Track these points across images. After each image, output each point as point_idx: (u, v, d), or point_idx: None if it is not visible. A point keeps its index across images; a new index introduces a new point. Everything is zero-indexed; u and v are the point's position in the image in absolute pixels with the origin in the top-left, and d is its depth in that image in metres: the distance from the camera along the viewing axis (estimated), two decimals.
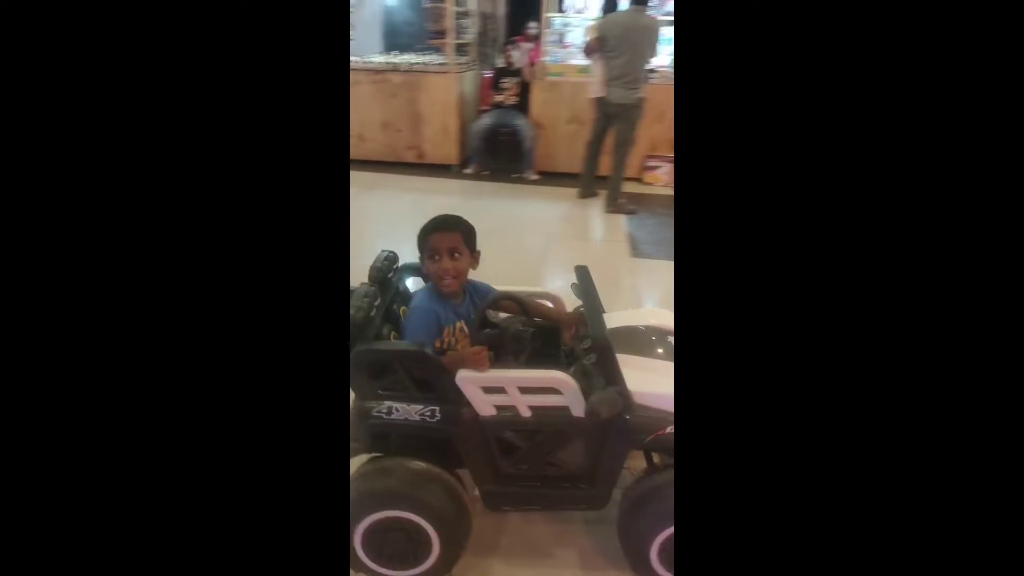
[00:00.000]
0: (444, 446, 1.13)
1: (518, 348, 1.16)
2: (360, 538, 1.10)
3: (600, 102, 3.55)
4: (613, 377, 1.03)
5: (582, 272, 1.28)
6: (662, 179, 4.37)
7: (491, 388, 1.05)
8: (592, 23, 3.60)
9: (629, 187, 3.96)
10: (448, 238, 1.16)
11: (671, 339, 1.23)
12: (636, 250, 3.18)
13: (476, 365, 1.04)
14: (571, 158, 4.06)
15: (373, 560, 1.13)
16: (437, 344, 1.15)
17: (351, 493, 1.02)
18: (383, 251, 1.34)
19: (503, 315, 1.30)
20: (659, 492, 1.07)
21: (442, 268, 1.16)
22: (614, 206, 3.73)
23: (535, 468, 1.14)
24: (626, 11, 3.51)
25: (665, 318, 1.30)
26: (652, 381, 1.07)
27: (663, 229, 3.53)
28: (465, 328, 1.21)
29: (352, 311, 1.09)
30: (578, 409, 1.05)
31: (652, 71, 3.69)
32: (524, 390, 1.05)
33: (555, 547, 1.30)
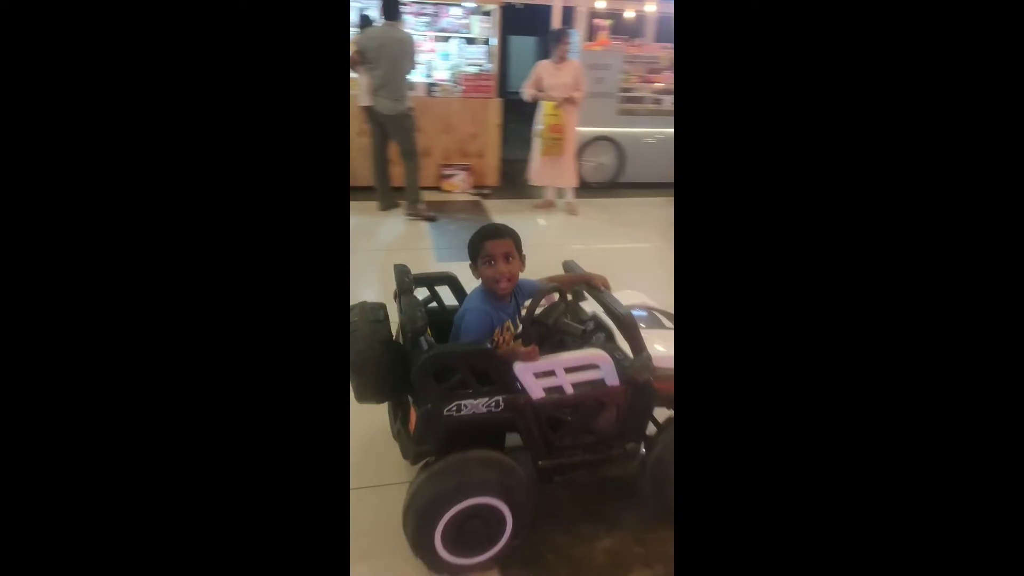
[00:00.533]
0: (500, 434, 1.25)
1: (564, 337, 1.32)
2: (439, 534, 1.17)
3: (369, 112, 3.82)
4: (640, 346, 1.23)
5: (570, 264, 1.49)
6: (458, 186, 4.69)
7: (542, 373, 1.19)
8: (352, 38, 3.79)
9: (429, 195, 4.22)
10: (502, 244, 1.27)
11: (656, 312, 1.49)
12: (439, 254, 3.42)
13: (529, 358, 1.18)
14: (368, 171, 4.08)
15: (450, 552, 1.20)
16: (488, 343, 1.26)
17: (428, 494, 1.14)
18: (398, 265, 1.46)
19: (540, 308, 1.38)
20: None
21: (498, 272, 1.26)
22: (414, 212, 3.97)
23: (578, 438, 1.28)
24: (381, 26, 3.74)
25: (643, 298, 1.58)
26: (656, 347, 1.28)
27: (463, 233, 3.50)
28: (512, 327, 1.34)
29: (408, 323, 1.21)
30: (612, 379, 1.23)
31: (413, 84, 4.06)
32: (568, 370, 1.20)
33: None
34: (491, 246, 1.27)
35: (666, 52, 5.10)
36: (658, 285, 1.87)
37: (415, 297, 1.32)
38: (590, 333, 1.33)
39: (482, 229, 1.32)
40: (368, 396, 1.23)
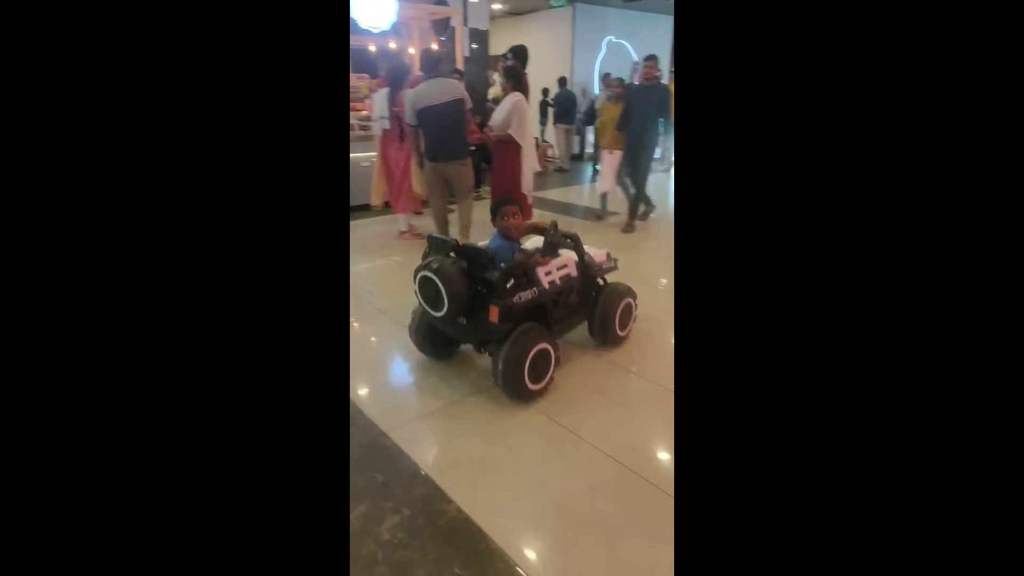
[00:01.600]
0: (536, 313, 2.08)
1: (558, 246, 2.25)
2: (525, 372, 1.93)
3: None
4: (583, 251, 2.30)
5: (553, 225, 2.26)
6: None
7: (546, 272, 2.11)
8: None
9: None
10: (512, 208, 2.20)
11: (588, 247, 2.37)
12: None
13: (542, 265, 2.11)
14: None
15: (530, 382, 1.98)
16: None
17: (517, 349, 1.90)
18: (435, 236, 2.19)
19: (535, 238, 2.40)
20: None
21: (511, 224, 2.19)
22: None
23: (563, 309, 2.21)
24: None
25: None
26: (594, 254, 2.42)
27: None
28: (517, 254, 2.15)
29: (479, 256, 2.00)
30: (574, 271, 2.24)
31: None
32: (558, 268, 2.16)
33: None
34: (505, 209, 2.19)
35: (363, 81, 5.68)
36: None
37: (472, 244, 2.14)
38: (567, 244, 2.29)
39: (499, 200, 2.26)
40: (459, 314, 1.95)
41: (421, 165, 3.82)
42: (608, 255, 2.48)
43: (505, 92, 3.99)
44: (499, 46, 7.36)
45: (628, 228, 4.56)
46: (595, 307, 2.34)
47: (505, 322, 1.91)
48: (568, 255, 2.23)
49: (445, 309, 1.90)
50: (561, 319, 2.18)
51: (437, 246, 2.12)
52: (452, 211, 3.95)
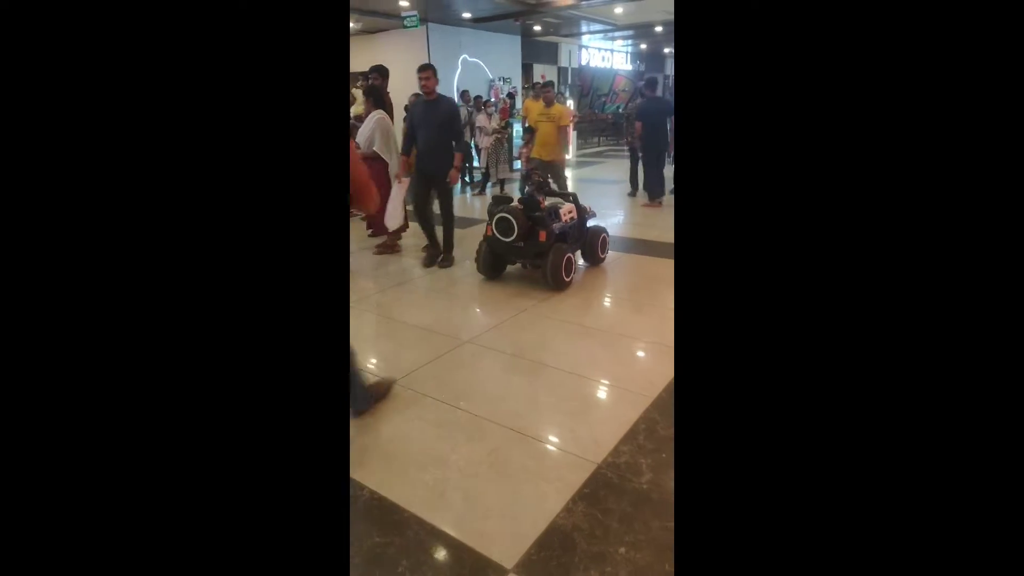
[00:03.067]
0: (564, 239, 3.51)
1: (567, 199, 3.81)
2: (563, 266, 3.32)
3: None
4: (578, 202, 3.82)
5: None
6: None
7: (564, 214, 3.62)
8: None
9: None
10: (538, 172, 4.13)
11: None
12: None
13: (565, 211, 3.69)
14: None
15: (565, 275, 3.36)
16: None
17: (560, 253, 3.31)
18: (498, 195, 3.81)
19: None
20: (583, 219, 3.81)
21: (535, 180, 3.90)
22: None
23: (572, 237, 3.60)
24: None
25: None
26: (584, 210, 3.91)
27: None
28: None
29: (540, 214, 3.43)
30: (576, 216, 3.71)
31: None
32: (567, 213, 3.62)
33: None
34: (534, 173, 3.75)
35: None
36: None
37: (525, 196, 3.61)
38: (572, 200, 3.76)
39: (531, 168, 4.33)
40: (522, 237, 3.31)
41: None
42: (589, 208, 3.90)
43: (367, 111, 4.14)
44: (355, 64, 7.35)
45: (438, 264, 3.93)
46: (586, 239, 3.78)
47: (548, 242, 3.35)
48: (569, 206, 3.70)
49: (515, 234, 3.32)
50: (571, 243, 3.58)
51: (500, 200, 3.56)
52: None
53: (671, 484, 1.68)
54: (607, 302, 3.31)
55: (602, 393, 2.27)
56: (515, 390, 2.28)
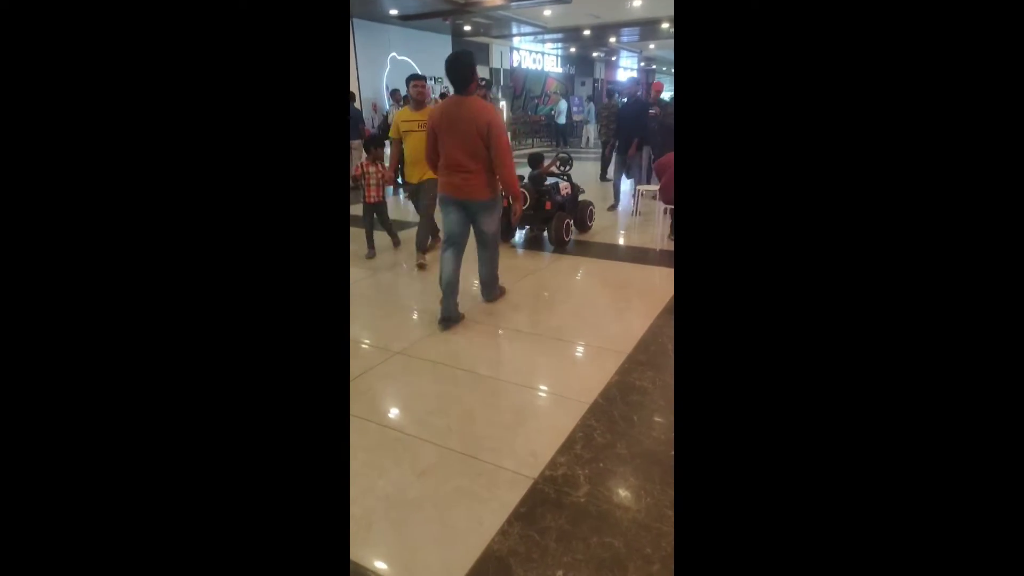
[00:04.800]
0: (564, 208, 4.51)
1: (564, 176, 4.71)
2: (564, 229, 4.32)
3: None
4: (572, 182, 4.74)
5: (539, 155, 4.73)
6: None
7: (562, 189, 4.55)
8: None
9: None
10: (542, 160, 4.67)
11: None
12: None
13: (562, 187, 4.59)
14: None
15: (564, 236, 4.36)
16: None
17: (562, 217, 4.31)
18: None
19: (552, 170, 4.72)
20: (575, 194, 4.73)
21: (543, 168, 4.61)
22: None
23: (568, 207, 4.58)
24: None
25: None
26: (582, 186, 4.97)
27: None
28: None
29: (545, 188, 4.40)
30: (571, 191, 4.65)
31: None
32: (563, 188, 4.56)
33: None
34: (539, 158, 4.58)
35: None
36: None
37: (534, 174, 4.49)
38: (567, 178, 4.69)
39: (535, 154, 4.63)
40: (533, 207, 4.27)
41: None
42: (579, 186, 4.77)
43: None
44: None
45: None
46: (577, 209, 4.67)
47: (552, 210, 4.33)
48: (566, 183, 4.57)
49: (527, 204, 4.14)
50: (568, 211, 4.49)
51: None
52: None
53: (609, 495, 1.64)
54: (544, 306, 3.26)
55: (537, 401, 2.21)
56: (447, 403, 2.17)
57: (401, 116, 3.80)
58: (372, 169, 4.07)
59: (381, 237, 4.35)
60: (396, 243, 4.41)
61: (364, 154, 4.22)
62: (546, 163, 4.63)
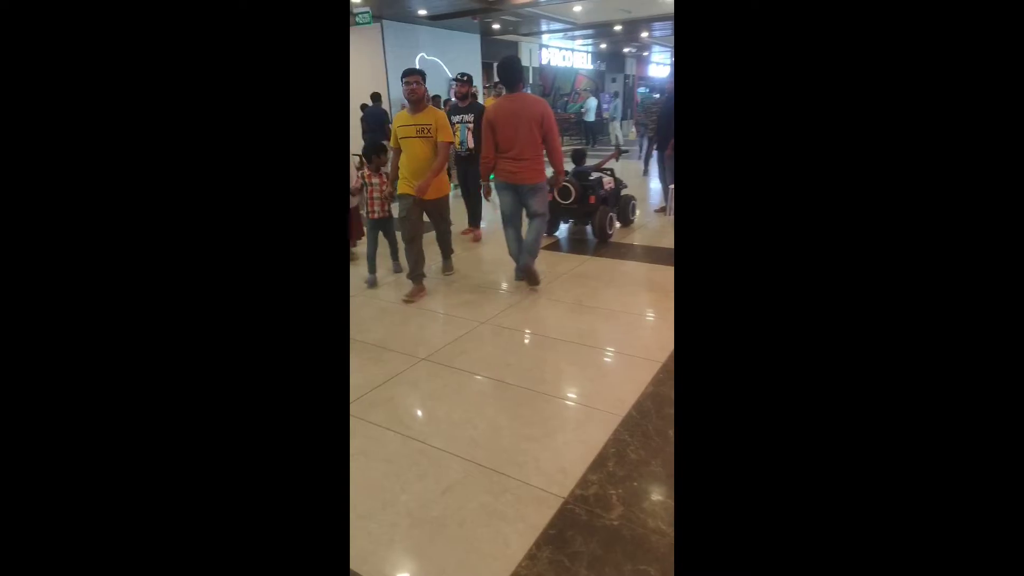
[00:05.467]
0: (608, 202, 4.58)
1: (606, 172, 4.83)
2: (607, 222, 4.44)
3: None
4: (616, 178, 4.85)
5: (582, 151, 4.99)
6: None
7: (605, 185, 4.61)
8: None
9: None
10: (584, 155, 5.03)
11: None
12: None
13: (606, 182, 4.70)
14: None
15: (608, 229, 4.46)
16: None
17: (603, 212, 4.37)
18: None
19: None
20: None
21: (591, 164, 4.91)
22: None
23: (611, 203, 4.61)
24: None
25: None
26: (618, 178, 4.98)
27: None
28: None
29: (590, 182, 4.50)
30: (613, 186, 4.73)
31: None
32: (607, 183, 4.65)
33: None
34: (583, 153, 4.86)
35: None
36: None
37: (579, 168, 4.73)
38: (610, 174, 4.79)
39: (578, 150, 4.94)
40: (577, 201, 4.33)
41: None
42: (622, 180, 4.88)
43: None
44: None
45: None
46: (620, 204, 4.77)
47: (596, 204, 4.36)
48: (609, 178, 4.67)
49: (572, 198, 4.30)
50: (611, 206, 4.53)
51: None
52: None
53: (644, 518, 1.53)
54: (571, 310, 3.16)
55: (568, 413, 2.11)
56: (473, 414, 2.09)
57: (397, 121, 3.16)
58: (376, 180, 3.41)
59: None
60: (398, 268, 3.72)
61: (364, 163, 3.56)
62: (591, 162, 4.82)
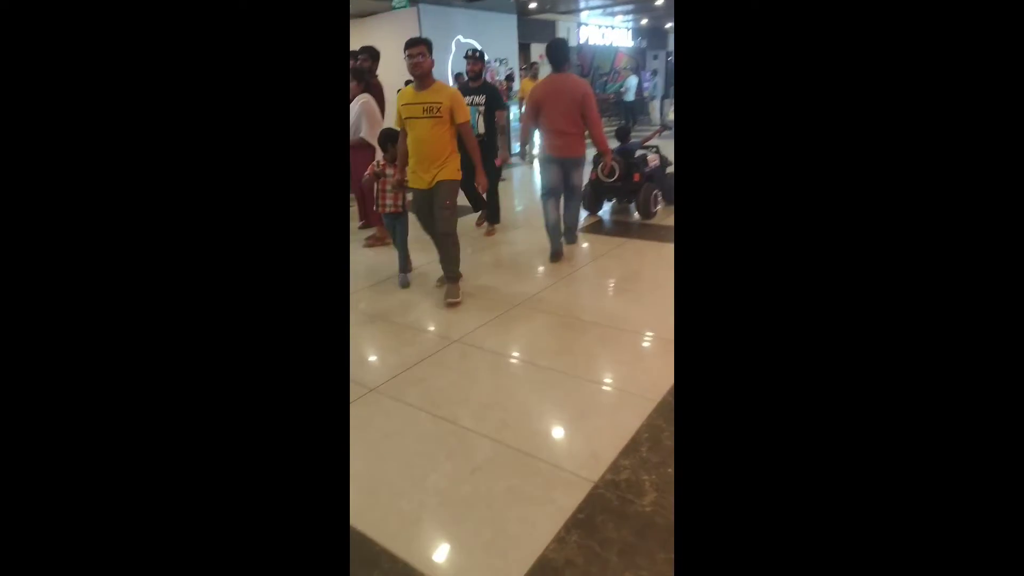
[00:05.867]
0: (652, 179, 4.59)
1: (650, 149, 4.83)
2: (651, 200, 4.40)
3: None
4: (663, 156, 4.81)
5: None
6: None
7: (650, 162, 4.62)
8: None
9: None
10: (630, 132, 4.96)
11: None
12: None
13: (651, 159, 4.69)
14: None
15: (652, 207, 4.43)
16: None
17: (648, 189, 4.37)
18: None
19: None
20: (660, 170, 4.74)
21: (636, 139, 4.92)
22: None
23: (655, 180, 4.57)
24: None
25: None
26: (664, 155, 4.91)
27: None
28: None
29: (635, 159, 4.46)
30: (659, 164, 4.72)
31: None
32: (651, 161, 4.63)
33: None
34: (629, 129, 4.79)
35: None
36: None
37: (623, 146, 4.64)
38: (656, 152, 4.77)
39: (623, 128, 4.81)
40: (622, 178, 4.32)
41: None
42: (665, 157, 4.74)
43: (353, 94, 3.84)
44: None
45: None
46: (665, 183, 4.65)
47: (640, 182, 4.34)
48: (654, 155, 4.65)
49: (616, 176, 4.27)
50: (655, 183, 4.49)
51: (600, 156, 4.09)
52: None
53: None
54: (607, 292, 3.08)
55: (600, 397, 2.07)
56: (504, 395, 2.08)
57: (401, 99, 2.71)
58: (390, 171, 2.99)
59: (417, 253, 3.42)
60: (404, 282, 3.22)
61: (381, 152, 3.15)
62: (635, 139, 4.84)
